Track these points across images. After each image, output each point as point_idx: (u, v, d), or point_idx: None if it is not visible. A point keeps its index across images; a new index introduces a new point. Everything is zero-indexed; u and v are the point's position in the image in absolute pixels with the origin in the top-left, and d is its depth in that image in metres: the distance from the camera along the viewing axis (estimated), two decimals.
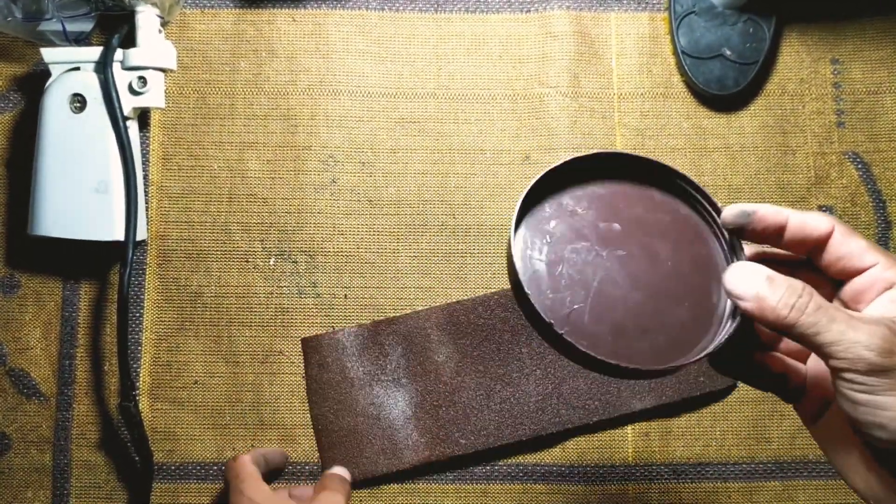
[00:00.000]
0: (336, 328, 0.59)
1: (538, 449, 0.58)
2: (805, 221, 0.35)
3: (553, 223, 0.37)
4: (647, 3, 0.63)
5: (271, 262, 0.60)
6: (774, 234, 0.36)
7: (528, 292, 0.33)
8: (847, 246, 0.35)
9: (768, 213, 0.35)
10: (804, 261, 0.37)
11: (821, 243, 0.35)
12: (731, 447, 0.59)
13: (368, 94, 0.62)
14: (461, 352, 0.58)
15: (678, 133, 0.62)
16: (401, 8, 0.63)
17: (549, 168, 0.36)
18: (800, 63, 0.62)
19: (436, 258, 0.60)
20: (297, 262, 0.60)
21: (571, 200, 0.38)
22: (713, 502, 0.58)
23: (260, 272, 0.60)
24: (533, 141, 0.61)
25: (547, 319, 0.33)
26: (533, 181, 0.36)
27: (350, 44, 0.62)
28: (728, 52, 0.60)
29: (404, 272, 0.60)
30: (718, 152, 0.61)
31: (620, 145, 0.61)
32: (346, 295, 0.60)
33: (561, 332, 0.33)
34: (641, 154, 0.38)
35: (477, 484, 0.58)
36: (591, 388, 0.57)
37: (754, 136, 0.62)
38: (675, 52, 0.61)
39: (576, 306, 0.36)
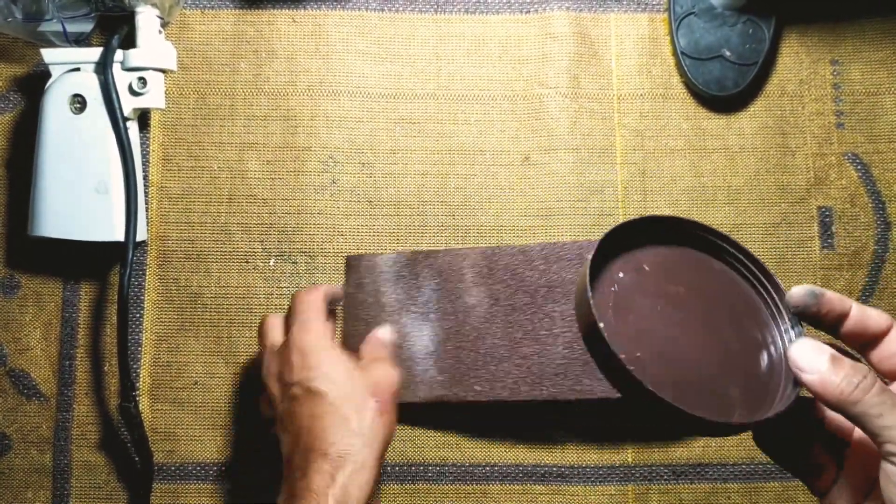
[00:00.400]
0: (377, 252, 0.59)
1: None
2: (867, 314, 0.36)
3: (621, 274, 0.38)
4: (646, 4, 0.63)
5: (271, 263, 0.60)
6: (834, 321, 0.37)
7: (601, 325, 0.34)
8: None
9: (834, 298, 0.36)
10: (852, 354, 0.37)
11: (877, 339, 0.36)
12: (731, 447, 0.59)
13: (368, 95, 0.62)
14: (493, 298, 0.56)
15: (678, 134, 0.62)
16: (400, 9, 0.63)
17: (629, 220, 0.38)
18: (799, 64, 0.62)
19: None
20: (297, 263, 0.60)
21: (638, 256, 0.39)
22: (713, 503, 0.58)
23: (260, 273, 0.60)
24: (533, 142, 0.61)
25: (618, 354, 0.33)
26: (611, 228, 0.37)
27: (350, 44, 0.62)
28: (728, 53, 0.60)
29: None
30: (718, 153, 0.61)
31: (620, 146, 0.61)
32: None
33: (631, 367, 0.33)
34: (708, 225, 0.38)
35: (477, 484, 0.58)
36: None
37: (754, 137, 0.62)
38: (675, 53, 0.61)
39: (638, 354, 0.36)
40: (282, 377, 0.48)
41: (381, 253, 0.59)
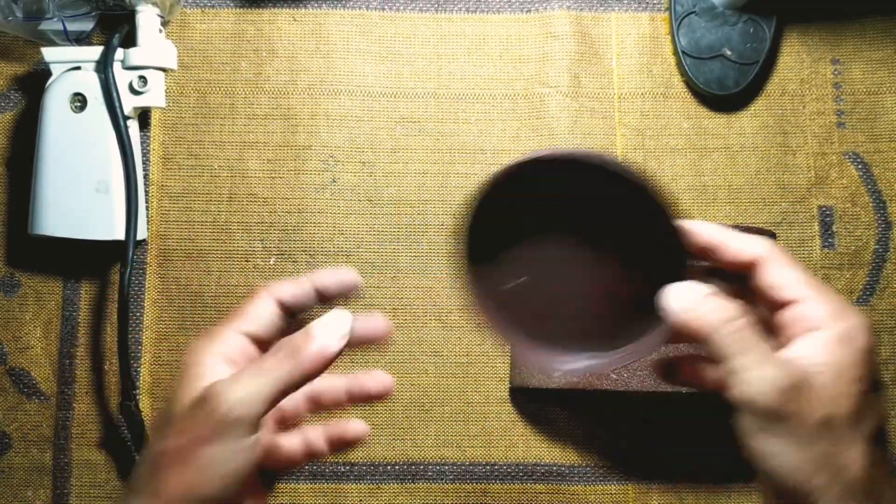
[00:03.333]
0: None
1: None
2: (728, 243, 0.35)
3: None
4: (647, 3, 0.63)
5: (272, 262, 0.60)
6: (710, 253, 0.35)
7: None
8: (778, 276, 0.34)
9: (701, 233, 0.35)
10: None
11: (750, 268, 0.35)
12: (731, 445, 0.58)
13: (369, 94, 0.62)
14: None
15: (678, 133, 0.62)
16: (401, 8, 0.63)
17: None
18: (800, 63, 0.62)
19: (436, 258, 0.60)
20: (297, 262, 0.60)
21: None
22: (713, 502, 0.58)
23: (260, 272, 0.60)
24: (533, 141, 0.61)
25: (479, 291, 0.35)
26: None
27: (351, 43, 0.62)
28: (728, 53, 0.60)
29: (404, 272, 0.60)
30: (719, 152, 0.61)
31: (621, 145, 0.61)
32: None
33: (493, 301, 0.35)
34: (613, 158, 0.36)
35: (477, 484, 0.58)
36: None
37: (755, 137, 0.62)
38: (676, 53, 0.61)
39: (521, 279, 0.36)
40: None
41: None
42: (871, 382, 0.32)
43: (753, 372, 0.31)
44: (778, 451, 0.31)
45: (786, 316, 0.34)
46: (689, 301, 0.33)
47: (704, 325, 0.33)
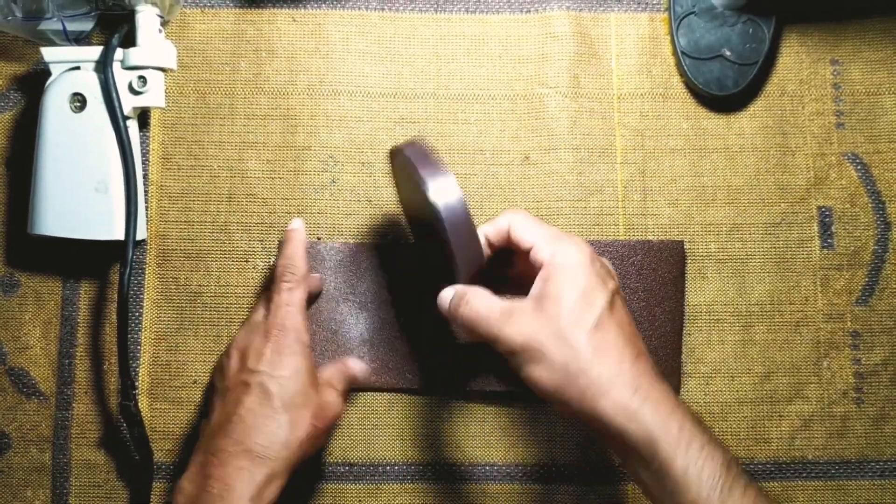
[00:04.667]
0: (320, 238, 0.60)
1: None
2: (495, 229, 0.50)
3: None
4: (646, 3, 0.63)
5: (271, 262, 0.60)
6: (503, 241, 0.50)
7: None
8: (518, 232, 0.48)
9: (485, 235, 0.51)
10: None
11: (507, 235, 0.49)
12: (730, 447, 0.59)
13: (368, 94, 0.62)
14: (430, 291, 0.57)
15: (678, 134, 0.62)
16: (401, 8, 0.63)
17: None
18: (799, 64, 0.62)
19: None
20: None
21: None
22: None
23: (260, 272, 0.60)
24: (533, 141, 0.61)
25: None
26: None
27: (350, 44, 0.62)
28: (728, 53, 0.60)
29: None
30: (718, 153, 0.61)
31: (620, 146, 0.61)
32: None
33: None
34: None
35: (477, 484, 0.58)
36: None
37: (754, 137, 0.62)
38: (675, 53, 0.61)
39: None
40: (245, 358, 0.51)
41: (321, 240, 0.59)
42: (575, 300, 0.44)
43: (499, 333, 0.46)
44: (536, 377, 0.44)
45: (531, 259, 0.47)
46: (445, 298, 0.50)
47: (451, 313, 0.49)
